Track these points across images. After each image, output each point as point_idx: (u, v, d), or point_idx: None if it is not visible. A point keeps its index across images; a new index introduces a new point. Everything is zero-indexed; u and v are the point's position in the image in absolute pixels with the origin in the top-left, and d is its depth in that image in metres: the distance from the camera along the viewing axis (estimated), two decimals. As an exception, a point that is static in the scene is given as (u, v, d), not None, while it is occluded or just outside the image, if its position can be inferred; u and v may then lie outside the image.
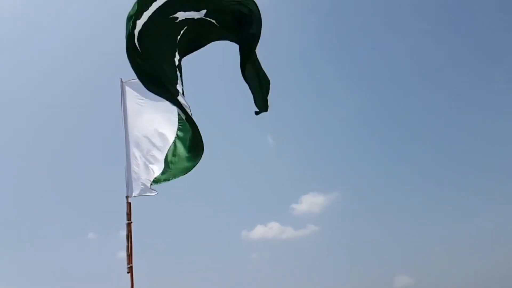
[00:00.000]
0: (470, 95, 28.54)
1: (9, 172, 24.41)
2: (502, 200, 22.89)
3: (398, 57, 30.31)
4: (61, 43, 28.59)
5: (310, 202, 25.49)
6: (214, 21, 5.40)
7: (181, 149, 5.87)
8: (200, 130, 5.46)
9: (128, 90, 6.11)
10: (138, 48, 4.97)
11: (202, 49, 5.70)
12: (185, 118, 5.41)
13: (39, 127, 26.98)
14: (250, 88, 5.50)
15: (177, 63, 5.46)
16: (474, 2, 29.24)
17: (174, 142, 5.95)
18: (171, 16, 5.20)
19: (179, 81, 5.39)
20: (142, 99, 6.10)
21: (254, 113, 5.60)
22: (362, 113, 29.40)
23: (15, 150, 25.54)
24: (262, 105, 5.58)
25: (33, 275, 19.16)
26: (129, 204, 5.47)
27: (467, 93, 28.67)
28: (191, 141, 5.68)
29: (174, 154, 5.86)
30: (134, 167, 5.62)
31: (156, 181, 5.66)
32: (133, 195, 5.48)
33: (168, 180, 5.70)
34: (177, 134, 6.01)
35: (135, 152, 5.75)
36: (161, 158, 5.82)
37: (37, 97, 27.61)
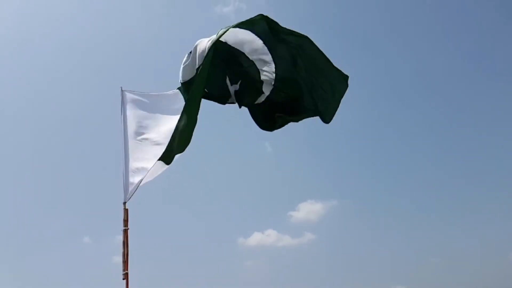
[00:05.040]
0: (470, 108, 28.64)
1: (5, 175, 24.33)
2: (498, 212, 22.95)
3: (398, 67, 30.48)
4: (60, 49, 28.60)
5: (307, 210, 25.47)
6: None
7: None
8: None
9: (126, 98, 6.12)
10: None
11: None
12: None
13: (36, 130, 26.92)
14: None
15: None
16: (476, 13, 29.44)
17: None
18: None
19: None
20: (141, 105, 6.12)
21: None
22: (361, 122, 29.46)
23: (12, 153, 25.46)
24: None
25: (28, 278, 19.06)
26: (126, 210, 5.39)
27: (468, 106, 28.78)
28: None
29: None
30: (131, 173, 5.56)
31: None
32: (128, 199, 5.42)
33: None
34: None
35: (132, 157, 5.70)
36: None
37: (35, 100, 27.54)
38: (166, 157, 5.46)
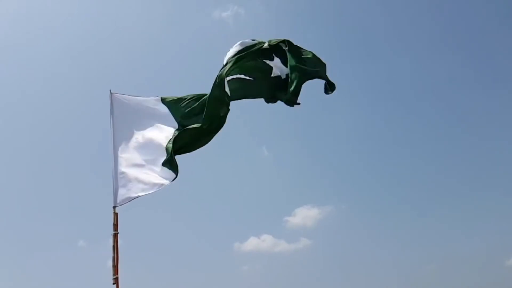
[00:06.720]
0: (470, 112, 28.60)
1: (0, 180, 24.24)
2: (496, 218, 22.93)
3: (398, 72, 30.50)
4: (56, 50, 28.59)
5: (303, 215, 25.41)
6: None
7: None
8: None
9: (116, 101, 6.10)
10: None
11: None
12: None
13: (30, 133, 26.85)
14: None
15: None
16: (477, 17, 29.56)
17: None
18: None
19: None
20: (128, 111, 6.13)
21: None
22: (359, 127, 29.47)
23: (6, 157, 25.35)
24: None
25: (23, 281, 19.02)
26: (115, 214, 5.39)
27: (468, 110, 28.76)
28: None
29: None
30: (121, 176, 5.54)
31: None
32: (118, 204, 5.40)
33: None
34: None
35: (122, 161, 5.68)
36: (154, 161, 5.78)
37: (26, 104, 27.49)
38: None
